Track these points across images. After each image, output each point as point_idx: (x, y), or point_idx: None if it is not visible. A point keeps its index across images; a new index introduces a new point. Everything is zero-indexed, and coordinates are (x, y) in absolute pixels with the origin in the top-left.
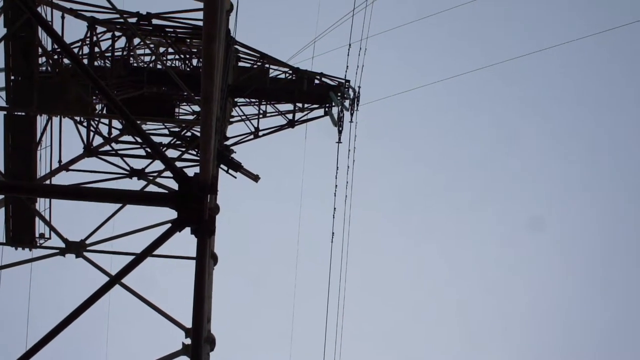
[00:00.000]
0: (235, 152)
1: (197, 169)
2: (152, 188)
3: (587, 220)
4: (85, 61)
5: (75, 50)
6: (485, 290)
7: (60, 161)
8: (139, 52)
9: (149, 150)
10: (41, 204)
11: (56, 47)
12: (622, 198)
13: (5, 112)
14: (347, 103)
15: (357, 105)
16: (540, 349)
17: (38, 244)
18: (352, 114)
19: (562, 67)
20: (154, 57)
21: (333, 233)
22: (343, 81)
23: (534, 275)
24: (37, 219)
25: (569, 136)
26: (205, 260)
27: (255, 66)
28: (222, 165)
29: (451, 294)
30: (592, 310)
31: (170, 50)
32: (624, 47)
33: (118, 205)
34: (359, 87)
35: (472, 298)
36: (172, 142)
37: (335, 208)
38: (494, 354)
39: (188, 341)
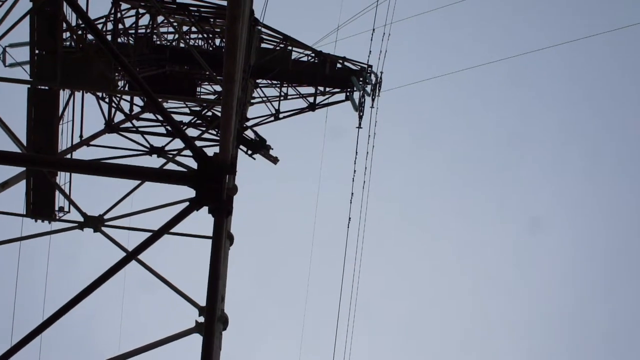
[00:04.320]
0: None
1: (216, 149)
2: (171, 166)
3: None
4: (109, 38)
5: (99, 26)
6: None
7: (81, 136)
8: (162, 30)
9: (169, 128)
10: (62, 177)
11: (80, 22)
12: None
13: (29, 86)
14: (368, 88)
15: (379, 91)
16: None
17: (57, 217)
18: (373, 100)
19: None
20: (177, 36)
21: (350, 218)
22: (365, 66)
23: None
24: (57, 192)
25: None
26: (221, 239)
27: (278, 48)
28: (241, 146)
29: (465, 286)
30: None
31: (193, 29)
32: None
33: (137, 182)
34: (381, 72)
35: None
36: (192, 121)
37: (352, 193)
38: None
39: (201, 319)
